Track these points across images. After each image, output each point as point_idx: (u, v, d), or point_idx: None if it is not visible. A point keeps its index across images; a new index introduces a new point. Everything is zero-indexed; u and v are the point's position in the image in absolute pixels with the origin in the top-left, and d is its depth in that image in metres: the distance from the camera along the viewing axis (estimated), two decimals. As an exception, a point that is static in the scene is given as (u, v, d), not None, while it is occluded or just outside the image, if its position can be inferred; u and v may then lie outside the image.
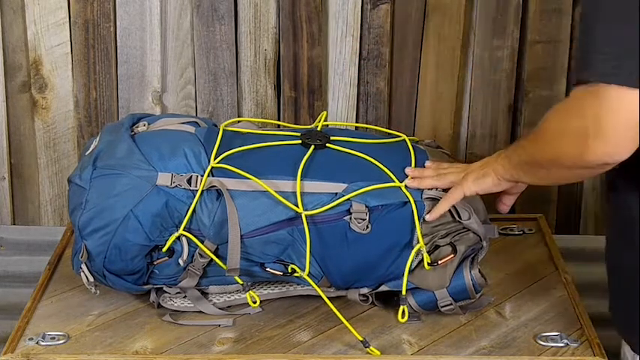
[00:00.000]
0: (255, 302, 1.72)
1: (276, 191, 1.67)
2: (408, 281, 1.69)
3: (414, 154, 1.77)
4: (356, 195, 1.67)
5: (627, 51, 1.31)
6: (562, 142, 1.39)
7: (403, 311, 1.69)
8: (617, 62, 1.31)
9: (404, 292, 1.69)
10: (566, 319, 1.75)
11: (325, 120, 1.86)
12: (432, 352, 1.66)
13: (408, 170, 1.72)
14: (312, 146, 1.75)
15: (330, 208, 1.67)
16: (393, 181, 1.69)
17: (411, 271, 1.69)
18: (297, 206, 1.66)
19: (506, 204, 1.72)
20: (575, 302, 1.79)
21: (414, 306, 1.72)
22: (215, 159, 1.70)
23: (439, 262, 1.68)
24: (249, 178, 1.68)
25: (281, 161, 1.72)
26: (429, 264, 1.67)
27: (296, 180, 1.68)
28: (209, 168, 1.69)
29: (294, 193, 1.67)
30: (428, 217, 1.67)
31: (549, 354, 1.65)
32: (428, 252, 1.68)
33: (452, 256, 1.68)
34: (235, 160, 1.70)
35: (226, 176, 1.68)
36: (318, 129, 1.83)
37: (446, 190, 1.68)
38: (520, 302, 1.80)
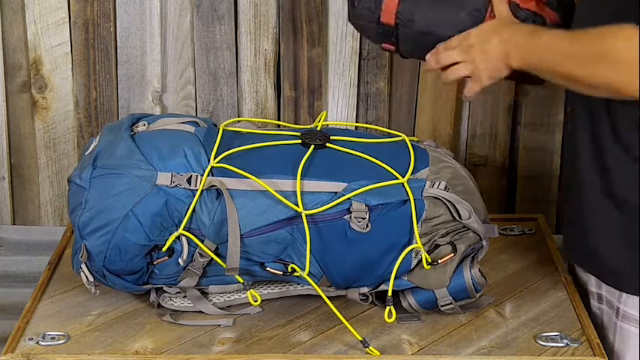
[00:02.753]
0: (256, 301, 1.71)
1: (276, 190, 1.67)
2: (408, 280, 1.70)
3: (414, 153, 1.77)
4: (356, 194, 1.67)
5: None
6: None
7: (390, 311, 1.68)
8: None
9: (389, 293, 1.68)
10: (566, 319, 1.74)
11: (325, 120, 1.86)
12: (432, 352, 1.65)
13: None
14: (312, 146, 1.74)
15: (330, 207, 1.67)
16: (394, 179, 1.69)
17: (411, 271, 1.69)
18: (297, 205, 1.66)
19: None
20: (575, 302, 1.79)
21: (413, 305, 1.72)
22: (215, 158, 1.70)
23: (439, 261, 1.68)
24: (248, 178, 1.67)
25: (281, 161, 1.72)
26: (428, 263, 1.67)
27: (296, 179, 1.68)
28: (209, 167, 1.69)
29: (294, 192, 1.67)
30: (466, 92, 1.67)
31: (549, 354, 1.65)
32: (428, 251, 1.68)
33: (452, 255, 1.68)
34: (235, 160, 1.70)
35: (226, 176, 1.68)
36: (318, 129, 1.83)
37: (447, 191, 1.69)
38: (520, 302, 1.80)
